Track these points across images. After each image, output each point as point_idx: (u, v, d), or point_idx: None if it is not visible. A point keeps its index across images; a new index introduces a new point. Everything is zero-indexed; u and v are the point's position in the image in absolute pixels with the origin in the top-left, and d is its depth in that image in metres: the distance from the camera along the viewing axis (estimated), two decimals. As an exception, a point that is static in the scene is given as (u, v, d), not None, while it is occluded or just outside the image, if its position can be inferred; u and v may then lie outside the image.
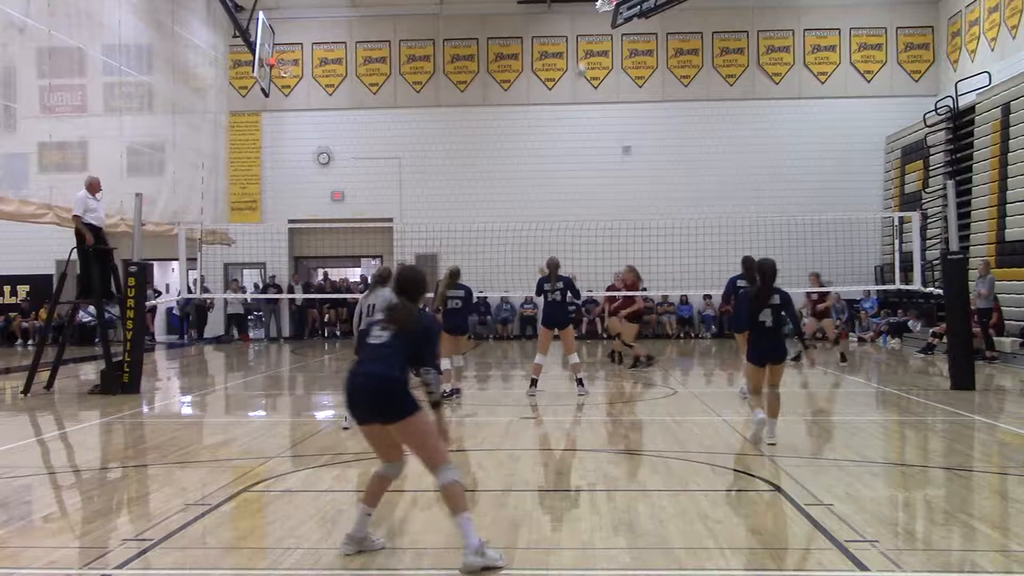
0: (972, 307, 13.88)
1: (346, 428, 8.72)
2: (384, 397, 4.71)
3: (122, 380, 12.17)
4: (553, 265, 11.70)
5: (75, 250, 12.82)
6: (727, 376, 15.42)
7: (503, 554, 4.70)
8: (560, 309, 11.62)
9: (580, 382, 11.52)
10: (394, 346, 4.80)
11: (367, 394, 4.77)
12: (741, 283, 11.18)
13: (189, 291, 20.12)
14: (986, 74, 20.02)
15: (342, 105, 25.33)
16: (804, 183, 23.45)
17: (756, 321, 7.92)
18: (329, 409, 11.41)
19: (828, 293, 17.43)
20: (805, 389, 12.65)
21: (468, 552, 4.55)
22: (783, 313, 7.95)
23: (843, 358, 15.84)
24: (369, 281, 9.26)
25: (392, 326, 4.86)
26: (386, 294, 8.34)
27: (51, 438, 9.46)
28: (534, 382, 11.62)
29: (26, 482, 7.02)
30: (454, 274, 11.57)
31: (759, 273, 8.09)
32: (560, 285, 11.55)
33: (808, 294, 16.76)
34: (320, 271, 27.24)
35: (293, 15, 25.00)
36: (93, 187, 12.80)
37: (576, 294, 11.78)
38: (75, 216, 12.60)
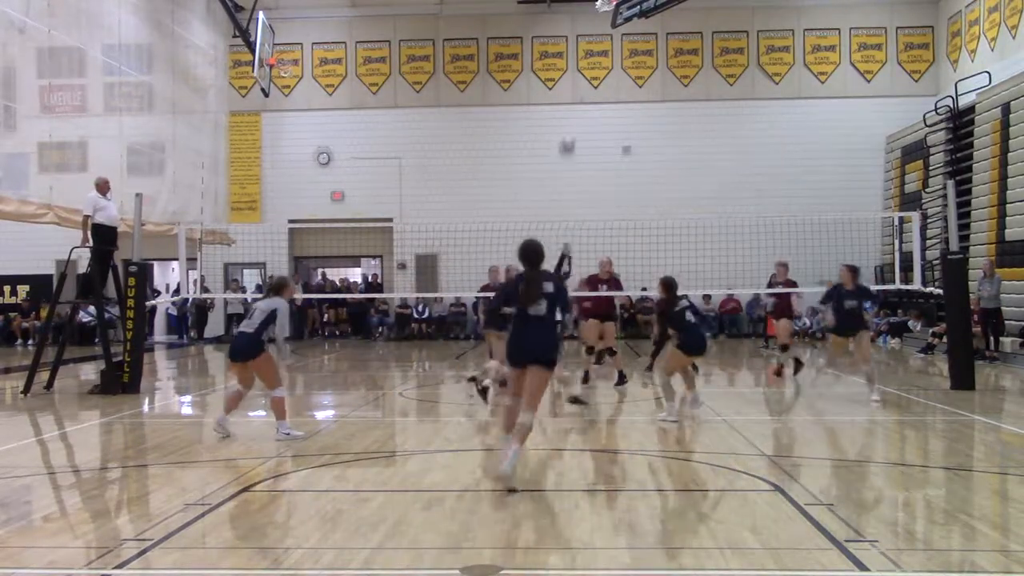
0: (976, 307, 13.85)
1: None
2: (548, 344, 6.47)
3: (122, 380, 12.16)
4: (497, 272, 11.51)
5: (74, 249, 12.83)
6: (727, 376, 15.42)
7: None
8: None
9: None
10: (550, 312, 6.51)
11: (535, 345, 6.46)
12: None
13: (188, 291, 20.11)
14: (986, 74, 20.02)
15: (342, 105, 25.34)
16: (804, 183, 23.44)
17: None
18: (329, 409, 11.41)
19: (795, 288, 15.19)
20: (805, 389, 12.64)
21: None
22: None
23: (795, 366, 13.55)
24: (265, 287, 9.40)
25: (542, 299, 6.50)
26: (270, 303, 8.62)
27: (51, 438, 9.46)
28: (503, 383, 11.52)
29: (26, 482, 7.02)
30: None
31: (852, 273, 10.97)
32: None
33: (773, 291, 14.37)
34: (319, 271, 27.24)
35: (293, 15, 25.02)
36: (102, 187, 12.81)
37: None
38: (85, 216, 12.61)
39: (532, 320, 6.53)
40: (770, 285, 14.47)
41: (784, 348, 13.64)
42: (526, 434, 6.45)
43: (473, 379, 11.51)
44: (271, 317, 8.51)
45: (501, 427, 6.90)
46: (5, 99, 15.25)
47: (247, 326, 8.63)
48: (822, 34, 24.71)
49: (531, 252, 6.70)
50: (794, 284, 14.19)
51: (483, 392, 10.86)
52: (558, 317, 6.56)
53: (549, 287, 6.60)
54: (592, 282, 12.63)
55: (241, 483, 6.75)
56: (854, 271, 11.14)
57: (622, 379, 12.38)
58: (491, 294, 12.42)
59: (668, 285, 9.65)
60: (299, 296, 23.74)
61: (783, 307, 14.06)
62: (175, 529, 5.42)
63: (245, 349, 8.62)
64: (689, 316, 9.51)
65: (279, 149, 25.36)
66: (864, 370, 10.98)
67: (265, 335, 8.55)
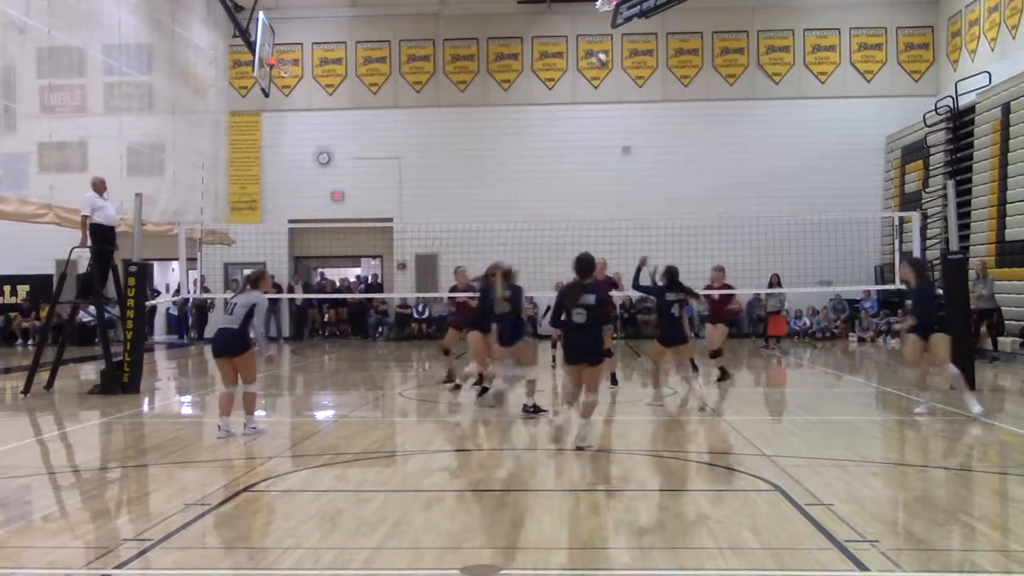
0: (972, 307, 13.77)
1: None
2: (592, 346, 7.95)
3: (122, 380, 12.17)
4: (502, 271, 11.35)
5: (74, 249, 12.83)
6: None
7: None
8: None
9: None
10: (592, 317, 7.86)
11: (582, 345, 7.92)
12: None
13: (189, 291, 20.11)
14: (986, 74, 20.02)
15: (342, 105, 25.34)
16: (804, 183, 23.44)
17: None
18: (329, 409, 11.41)
19: (733, 294, 14.71)
20: (805, 389, 12.65)
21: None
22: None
23: (721, 374, 13.11)
24: (241, 281, 9.56)
25: (584, 309, 7.85)
26: (249, 296, 8.67)
27: (51, 438, 9.46)
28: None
29: (26, 482, 7.02)
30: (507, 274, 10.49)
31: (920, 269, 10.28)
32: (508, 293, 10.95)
33: (709, 296, 13.89)
34: (319, 271, 27.25)
35: (293, 15, 25.01)
36: (99, 186, 12.81)
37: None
38: (84, 216, 12.60)
39: (577, 326, 7.94)
40: (708, 288, 13.88)
41: (715, 355, 13.31)
42: (591, 410, 8.02)
43: (457, 386, 11.40)
44: (252, 311, 8.52)
45: (563, 402, 8.84)
46: (5, 99, 15.25)
47: (229, 322, 8.61)
48: (822, 34, 24.71)
49: (582, 263, 8.12)
50: (730, 287, 13.95)
51: (483, 391, 10.87)
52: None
53: (590, 299, 7.92)
54: None
55: (241, 483, 6.75)
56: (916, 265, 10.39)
57: (613, 381, 12.33)
58: (461, 295, 12.76)
59: (668, 273, 10.51)
60: (300, 296, 23.81)
61: (718, 312, 13.69)
62: (175, 529, 5.42)
63: (230, 344, 8.62)
64: (674, 310, 10.35)
65: (279, 149, 25.37)
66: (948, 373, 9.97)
67: (250, 329, 8.63)
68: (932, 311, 9.93)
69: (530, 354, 10.61)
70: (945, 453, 7.99)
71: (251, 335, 8.67)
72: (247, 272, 9.38)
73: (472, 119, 25.00)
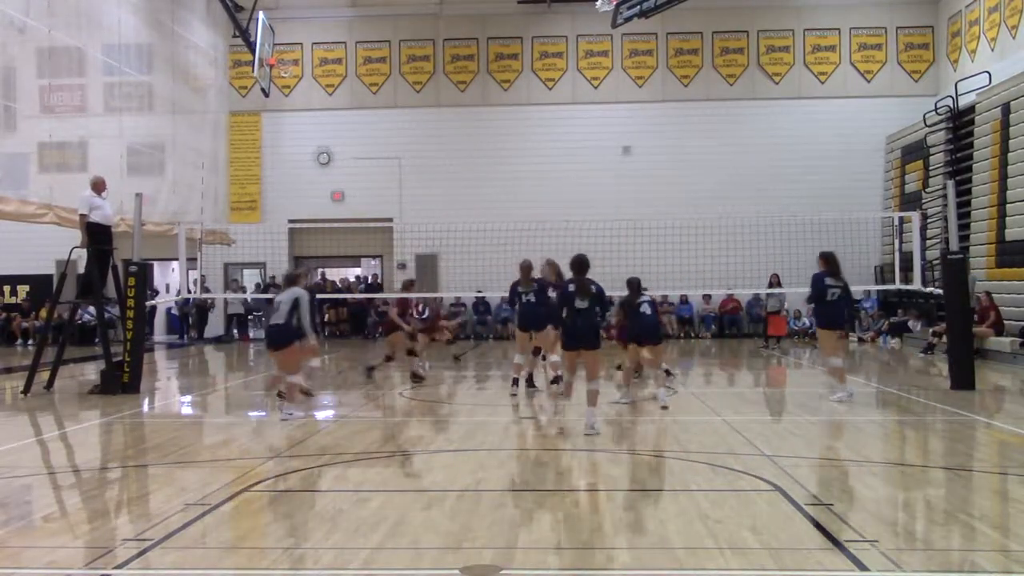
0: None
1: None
2: (592, 336, 8.70)
3: (122, 380, 12.16)
4: (526, 267, 11.63)
5: (74, 249, 12.83)
6: (727, 376, 15.43)
7: None
8: (534, 310, 11.45)
9: (557, 380, 11.39)
10: (591, 307, 8.66)
11: (584, 333, 8.65)
12: (829, 280, 11.08)
13: (189, 291, 20.12)
14: (986, 74, 20.02)
15: (342, 105, 25.33)
16: (804, 183, 23.44)
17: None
18: (329, 409, 11.40)
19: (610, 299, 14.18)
20: (805, 389, 12.65)
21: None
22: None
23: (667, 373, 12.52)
24: (281, 282, 11.12)
25: (587, 297, 8.61)
26: (290, 293, 9.72)
27: (51, 438, 9.46)
28: (515, 381, 11.65)
29: (26, 482, 7.02)
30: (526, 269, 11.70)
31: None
32: (535, 287, 11.48)
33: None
34: (319, 271, 27.23)
35: (293, 15, 25.00)
36: (98, 186, 12.80)
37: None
38: (81, 216, 12.60)
39: (579, 311, 8.66)
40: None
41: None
42: (595, 397, 8.66)
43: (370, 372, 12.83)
44: (295, 304, 9.49)
45: (561, 395, 9.61)
46: (5, 99, 15.26)
47: (277, 318, 9.62)
48: (822, 34, 24.71)
49: (578, 263, 8.95)
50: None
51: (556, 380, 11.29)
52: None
53: (592, 289, 8.74)
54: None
55: (241, 483, 6.75)
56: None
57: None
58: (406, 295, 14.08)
59: (631, 285, 10.80)
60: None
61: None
62: (175, 529, 5.42)
63: (279, 338, 9.65)
64: (644, 308, 10.56)
65: (279, 149, 25.37)
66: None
67: (294, 322, 9.64)
68: (821, 305, 11.04)
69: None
70: (945, 453, 7.99)
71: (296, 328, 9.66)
72: (286, 273, 10.64)
73: (472, 119, 25.00)
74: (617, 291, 11.28)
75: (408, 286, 14.93)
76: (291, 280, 10.00)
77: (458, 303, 24.06)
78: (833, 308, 11.06)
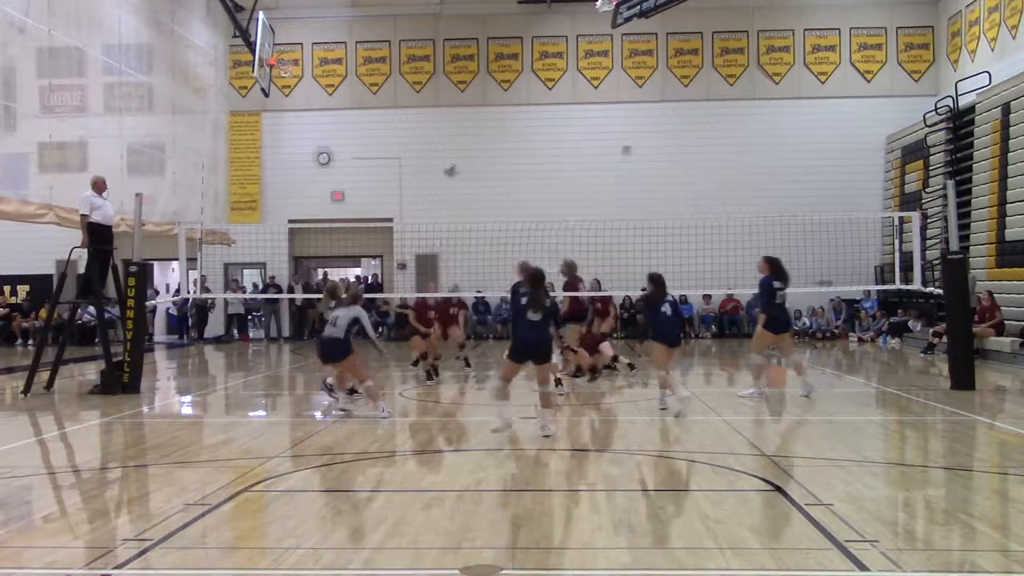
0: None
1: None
2: (544, 349, 8.69)
3: (122, 380, 12.16)
4: (526, 268, 11.50)
5: (75, 249, 12.83)
6: (727, 376, 15.43)
7: None
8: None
9: (559, 381, 11.57)
10: (544, 320, 8.67)
11: (535, 347, 8.60)
12: (777, 283, 11.26)
13: (189, 291, 20.12)
14: (986, 74, 20.02)
15: (342, 105, 25.33)
16: (804, 183, 23.44)
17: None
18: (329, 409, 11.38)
19: (610, 298, 14.54)
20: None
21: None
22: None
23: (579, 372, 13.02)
24: (325, 294, 11.38)
25: (540, 311, 8.57)
26: (351, 311, 10.10)
27: (51, 438, 9.46)
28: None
29: (26, 482, 7.02)
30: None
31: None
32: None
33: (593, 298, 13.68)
34: (319, 271, 27.24)
35: (293, 15, 25.01)
36: (98, 186, 12.80)
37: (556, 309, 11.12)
38: (82, 215, 12.60)
39: (532, 324, 8.60)
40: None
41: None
42: (550, 400, 8.79)
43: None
44: (355, 322, 10.00)
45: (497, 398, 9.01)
46: (5, 99, 15.26)
47: (335, 332, 10.00)
48: (822, 34, 24.71)
49: (532, 276, 9.02)
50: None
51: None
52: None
53: (545, 302, 8.79)
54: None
55: (241, 483, 6.75)
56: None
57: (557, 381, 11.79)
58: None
59: (655, 281, 10.46)
60: (299, 296, 23.78)
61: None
62: (175, 529, 5.42)
63: (336, 352, 10.09)
64: (665, 308, 10.22)
65: (279, 149, 25.36)
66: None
67: (350, 337, 10.08)
68: (770, 308, 11.23)
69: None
70: (945, 453, 7.99)
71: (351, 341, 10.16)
72: (342, 290, 11.09)
73: (472, 119, 25.00)
74: (618, 291, 11.31)
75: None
76: (354, 298, 10.40)
77: (459, 303, 24.00)
78: (782, 311, 11.39)
